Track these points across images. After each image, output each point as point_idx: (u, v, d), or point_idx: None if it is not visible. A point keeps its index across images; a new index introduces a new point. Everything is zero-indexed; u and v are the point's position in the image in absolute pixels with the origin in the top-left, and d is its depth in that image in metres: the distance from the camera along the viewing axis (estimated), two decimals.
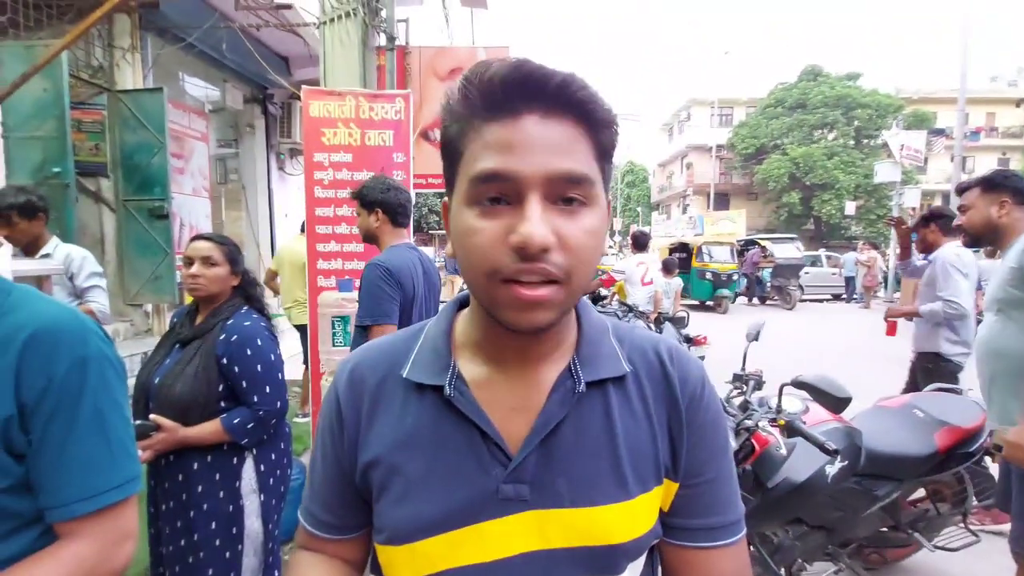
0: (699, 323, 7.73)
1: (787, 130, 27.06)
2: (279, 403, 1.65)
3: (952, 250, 3.04)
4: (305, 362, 4.03)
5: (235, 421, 1.57)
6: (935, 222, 3.20)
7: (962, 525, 2.38)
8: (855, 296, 15.25)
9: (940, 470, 2.18)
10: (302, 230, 3.99)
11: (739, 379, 2.20)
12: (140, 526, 0.82)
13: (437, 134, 5.01)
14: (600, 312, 0.92)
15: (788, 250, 14.91)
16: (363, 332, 2.02)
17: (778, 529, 2.01)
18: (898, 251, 3.56)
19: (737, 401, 2.09)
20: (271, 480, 1.68)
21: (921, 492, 2.37)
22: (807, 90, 26.89)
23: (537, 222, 0.47)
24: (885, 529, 2.29)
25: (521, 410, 0.57)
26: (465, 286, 0.58)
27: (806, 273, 14.98)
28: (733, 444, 1.84)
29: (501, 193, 0.49)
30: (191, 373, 1.57)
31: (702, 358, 4.80)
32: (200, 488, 1.57)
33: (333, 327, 2.87)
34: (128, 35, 4.98)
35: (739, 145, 28.62)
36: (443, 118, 0.53)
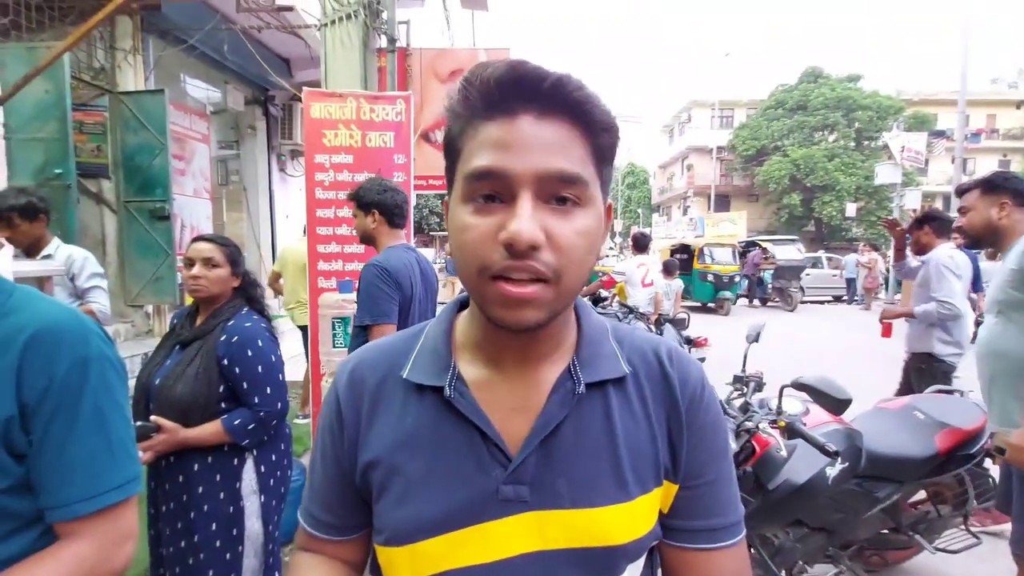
0: (701, 325, 7.73)
1: (788, 132, 27.06)
2: (280, 404, 1.65)
3: (945, 251, 3.09)
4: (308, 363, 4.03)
5: (236, 422, 1.57)
6: (929, 224, 3.25)
7: (963, 527, 2.37)
8: (856, 298, 15.24)
9: (941, 472, 2.18)
10: (305, 231, 4.00)
11: (739, 381, 2.21)
12: (140, 527, 0.82)
13: (438, 135, 5.03)
14: (600, 313, 0.92)
15: (790, 252, 14.91)
16: (361, 333, 2.02)
17: (779, 531, 2.01)
18: (893, 252, 3.61)
19: (737, 403, 2.09)
20: (271, 481, 1.68)
21: (922, 494, 2.37)
22: (808, 92, 26.90)
23: (526, 219, 0.47)
24: (886, 531, 2.29)
25: (521, 411, 0.57)
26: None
27: (807, 275, 14.98)
28: (734, 446, 1.84)
29: (495, 191, 0.49)
30: (192, 374, 1.57)
31: (702, 360, 4.80)
32: (200, 489, 1.57)
33: (333, 328, 2.87)
34: (130, 37, 5.00)
35: (740, 147, 28.63)
36: (446, 119, 0.54)
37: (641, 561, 0.59)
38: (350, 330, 2.72)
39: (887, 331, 3.64)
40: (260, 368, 1.61)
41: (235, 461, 1.61)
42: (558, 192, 0.49)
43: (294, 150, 7.93)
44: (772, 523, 1.94)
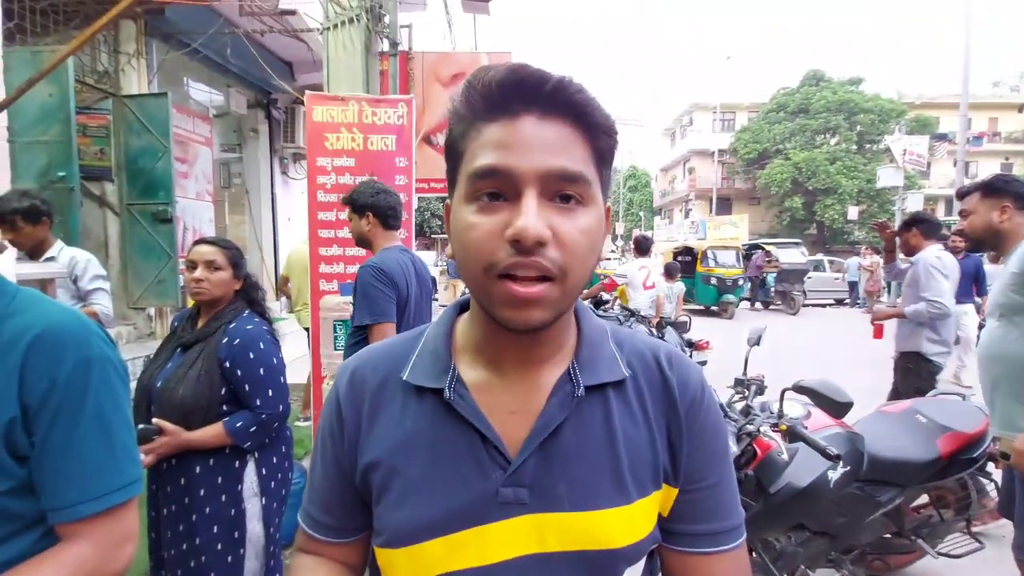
0: (704, 328, 7.72)
1: (789, 135, 27.07)
2: (281, 406, 1.65)
3: (933, 252, 3.17)
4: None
5: (237, 425, 1.57)
6: (916, 226, 3.32)
7: (966, 531, 2.36)
8: (858, 301, 15.21)
9: (943, 476, 2.17)
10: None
11: (741, 384, 2.20)
12: (140, 529, 0.83)
13: (440, 139, 5.05)
14: (602, 316, 0.92)
15: (793, 255, 14.89)
16: (358, 334, 2.02)
17: (780, 535, 2.00)
18: (884, 254, 3.70)
19: (739, 406, 2.08)
20: (273, 483, 1.68)
21: (924, 498, 2.36)
22: (809, 95, 26.91)
23: (533, 216, 0.48)
24: (888, 535, 2.28)
25: (521, 413, 0.57)
26: (467, 290, 0.58)
27: (809, 278, 14.95)
28: (735, 449, 1.83)
29: (499, 189, 0.50)
30: (193, 377, 1.57)
31: (704, 363, 4.79)
32: (202, 492, 1.57)
33: (335, 331, 2.87)
34: (133, 41, 5.03)
35: (741, 150, 28.64)
36: (449, 122, 0.55)
37: (640, 565, 0.59)
38: None
39: (878, 332, 3.71)
40: (262, 370, 1.61)
41: (236, 464, 1.61)
42: (562, 190, 0.50)
43: (296, 153, 7.95)
44: (774, 527, 1.93)
